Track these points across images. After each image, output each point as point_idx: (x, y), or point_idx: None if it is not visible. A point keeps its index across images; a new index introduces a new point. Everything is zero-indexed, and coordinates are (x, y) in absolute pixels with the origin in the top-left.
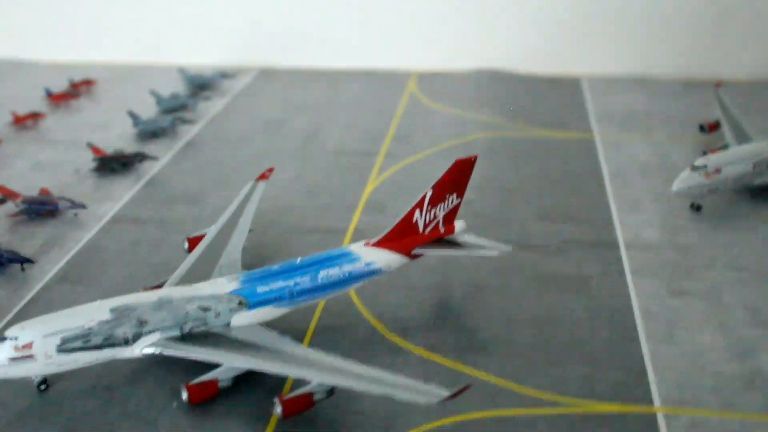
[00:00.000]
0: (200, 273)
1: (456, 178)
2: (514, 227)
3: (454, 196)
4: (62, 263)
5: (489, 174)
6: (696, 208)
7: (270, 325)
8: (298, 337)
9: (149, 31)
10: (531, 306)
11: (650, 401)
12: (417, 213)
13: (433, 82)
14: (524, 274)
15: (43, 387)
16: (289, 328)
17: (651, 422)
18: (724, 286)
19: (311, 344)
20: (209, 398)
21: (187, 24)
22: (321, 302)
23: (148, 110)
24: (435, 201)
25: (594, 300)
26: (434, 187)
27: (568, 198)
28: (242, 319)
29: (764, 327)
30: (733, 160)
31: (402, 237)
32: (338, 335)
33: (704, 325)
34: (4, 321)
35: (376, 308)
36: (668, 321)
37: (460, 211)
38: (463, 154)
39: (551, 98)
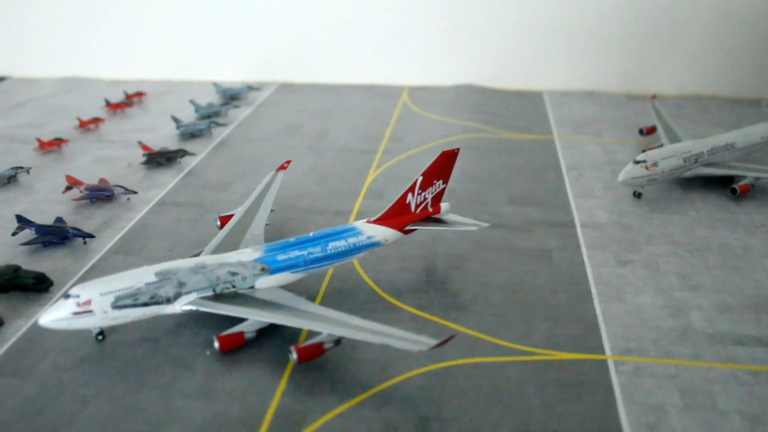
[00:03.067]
0: (230, 245)
1: (442, 166)
2: (489, 209)
3: (441, 181)
4: (117, 238)
5: (468, 167)
6: (637, 195)
7: (288, 287)
8: (311, 298)
9: (189, 53)
10: (503, 273)
11: (602, 351)
12: (409, 196)
13: (422, 94)
14: (497, 247)
15: (100, 337)
16: (304, 290)
17: (603, 367)
18: (660, 257)
19: (322, 303)
20: (237, 347)
21: (221, 47)
22: (330, 269)
23: (188, 116)
24: (425, 186)
25: (555, 269)
26: (424, 174)
27: (533, 186)
28: (265, 282)
29: (693, 290)
30: (668, 155)
31: (397, 215)
32: (344, 296)
33: (645, 288)
34: (70, 283)
35: (375, 275)
36: (616, 285)
37: (445, 195)
38: (447, 149)
39: (519, 107)
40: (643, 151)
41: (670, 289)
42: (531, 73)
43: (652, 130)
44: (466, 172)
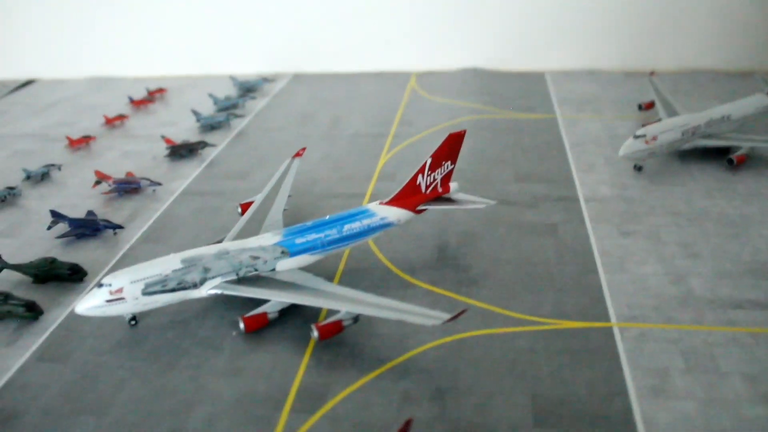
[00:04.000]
0: (251, 231)
1: (449, 148)
2: (496, 187)
3: (449, 162)
4: (144, 228)
5: (475, 147)
6: (638, 168)
7: (307, 269)
8: (329, 278)
9: (206, 49)
10: (512, 248)
11: (607, 318)
12: (419, 177)
13: (429, 79)
14: (505, 223)
15: (132, 323)
16: (323, 271)
17: (608, 334)
18: (661, 228)
19: (340, 283)
20: (261, 327)
21: (236, 41)
22: (346, 250)
23: (208, 109)
24: (434, 167)
25: (561, 242)
26: (433, 156)
27: (538, 163)
28: (285, 264)
29: (693, 258)
30: (666, 129)
31: (408, 196)
32: (361, 275)
33: (647, 258)
34: (103, 272)
35: (389, 253)
36: (619, 256)
37: (454, 175)
38: (454, 131)
39: (522, 88)
40: (643, 125)
41: (671, 258)
42: (533, 54)
43: (650, 106)
44: (474, 152)
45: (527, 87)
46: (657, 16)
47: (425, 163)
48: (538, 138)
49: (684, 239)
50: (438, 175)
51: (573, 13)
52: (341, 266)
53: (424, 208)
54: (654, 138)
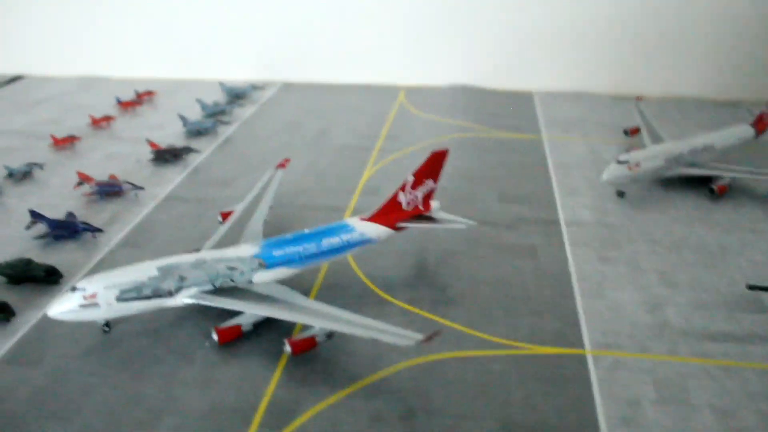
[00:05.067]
0: (230, 240)
1: (432, 166)
2: (479, 207)
3: (431, 180)
4: (125, 232)
5: (459, 165)
6: (620, 194)
7: (284, 282)
8: (306, 293)
9: (197, 53)
10: (491, 269)
11: (582, 345)
12: (401, 194)
13: (418, 94)
14: (485, 243)
15: (106, 329)
16: (299, 285)
17: (582, 361)
18: (640, 255)
19: (316, 298)
20: (234, 339)
21: (227, 47)
22: (325, 265)
23: (195, 114)
24: (415, 184)
25: (540, 265)
26: (415, 174)
27: (521, 184)
28: (262, 276)
29: (671, 287)
30: (650, 156)
31: (389, 213)
32: (338, 291)
33: (625, 285)
34: (80, 275)
35: (368, 270)
36: (597, 282)
37: (437, 193)
38: (438, 149)
39: (509, 108)
40: (627, 151)
41: (649, 286)
42: (522, 74)
43: (636, 131)
44: (458, 170)
45: (515, 106)
46: (646, 41)
47: (406, 180)
48: (523, 158)
49: (662, 267)
50: (419, 192)
51: (564, 35)
52: (319, 280)
53: (404, 225)
54: (637, 164)
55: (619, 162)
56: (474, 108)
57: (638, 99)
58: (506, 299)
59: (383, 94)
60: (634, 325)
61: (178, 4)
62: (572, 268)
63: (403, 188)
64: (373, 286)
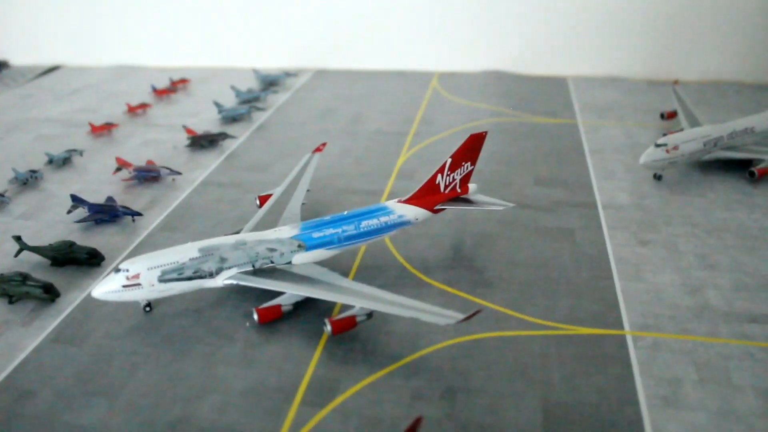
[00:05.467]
0: (268, 223)
1: (470, 149)
2: (515, 190)
3: (468, 163)
4: (163, 216)
5: (495, 149)
6: (658, 177)
7: (323, 263)
8: (345, 273)
9: (230, 42)
10: (528, 251)
11: (621, 326)
12: (439, 176)
13: (451, 80)
14: (522, 226)
15: (147, 309)
16: (338, 266)
17: (622, 342)
18: (679, 238)
19: (355, 279)
20: (274, 319)
21: (260, 35)
22: (363, 247)
23: (230, 101)
24: (453, 167)
25: (577, 248)
26: (453, 157)
27: (557, 168)
28: (301, 258)
29: (710, 269)
30: (688, 139)
31: (427, 195)
32: (376, 272)
33: (664, 267)
34: (120, 258)
35: (405, 252)
36: (635, 264)
37: (473, 177)
38: (475, 132)
39: (544, 93)
40: (664, 134)
41: (688, 269)
42: (556, 59)
43: (673, 115)
44: (494, 155)
45: (549, 91)
46: (682, 25)
47: (445, 162)
48: (558, 143)
49: (701, 250)
50: (457, 175)
51: (597, 19)
52: (357, 262)
53: (442, 207)
54: (675, 147)
55: (657, 145)
56: (507, 93)
57: (675, 83)
58: (544, 281)
59: (416, 79)
60: (674, 307)
61: None
62: (610, 251)
63: (441, 170)
64: (410, 268)
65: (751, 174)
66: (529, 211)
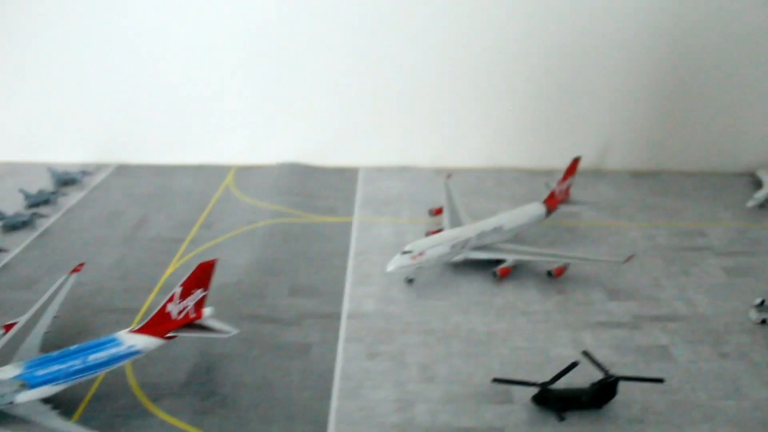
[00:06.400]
0: (4, 357)
1: (200, 277)
2: (268, 302)
3: (200, 290)
4: None
5: (261, 257)
6: (410, 281)
7: (51, 398)
8: (75, 406)
9: (23, 134)
10: (260, 371)
11: None
12: (170, 305)
13: (246, 175)
14: (263, 343)
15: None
16: (65, 400)
17: None
18: (409, 347)
19: (83, 414)
20: None
21: (59, 126)
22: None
23: (17, 205)
24: (184, 295)
25: (309, 364)
26: (183, 285)
27: (317, 274)
28: (25, 397)
29: (427, 382)
30: (435, 244)
31: (158, 324)
32: (106, 403)
33: (384, 382)
34: None
35: (142, 377)
36: (358, 380)
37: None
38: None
39: (333, 186)
40: (426, 235)
41: (407, 382)
42: (349, 149)
43: (439, 211)
44: (259, 263)
45: (338, 184)
46: (464, 112)
47: (174, 292)
48: (326, 245)
49: (426, 360)
50: (190, 302)
51: (388, 108)
52: (91, 393)
53: (174, 334)
54: (421, 254)
55: (403, 252)
56: (296, 188)
57: (448, 177)
58: (266, 404)
59: (213, 174)
60: (381, 426)
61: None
62: (338, 367)
63: (171, 299)
64: (141, 395)
65: (494, 274)
66: (273, 326)
